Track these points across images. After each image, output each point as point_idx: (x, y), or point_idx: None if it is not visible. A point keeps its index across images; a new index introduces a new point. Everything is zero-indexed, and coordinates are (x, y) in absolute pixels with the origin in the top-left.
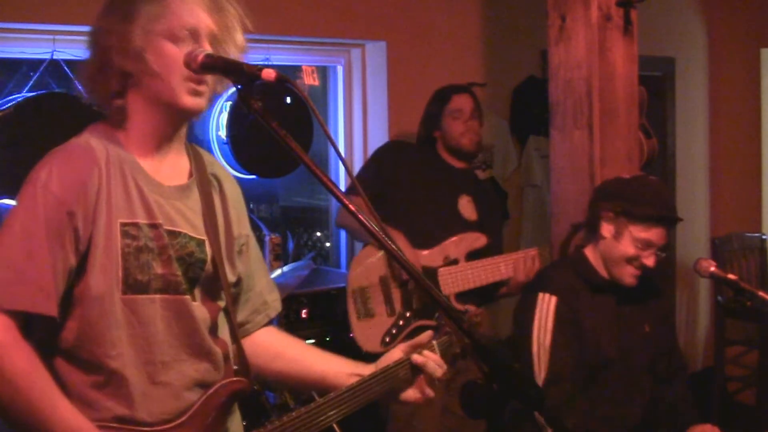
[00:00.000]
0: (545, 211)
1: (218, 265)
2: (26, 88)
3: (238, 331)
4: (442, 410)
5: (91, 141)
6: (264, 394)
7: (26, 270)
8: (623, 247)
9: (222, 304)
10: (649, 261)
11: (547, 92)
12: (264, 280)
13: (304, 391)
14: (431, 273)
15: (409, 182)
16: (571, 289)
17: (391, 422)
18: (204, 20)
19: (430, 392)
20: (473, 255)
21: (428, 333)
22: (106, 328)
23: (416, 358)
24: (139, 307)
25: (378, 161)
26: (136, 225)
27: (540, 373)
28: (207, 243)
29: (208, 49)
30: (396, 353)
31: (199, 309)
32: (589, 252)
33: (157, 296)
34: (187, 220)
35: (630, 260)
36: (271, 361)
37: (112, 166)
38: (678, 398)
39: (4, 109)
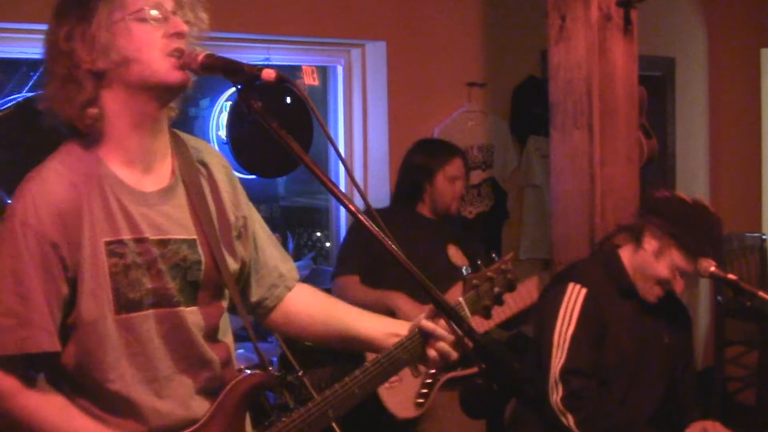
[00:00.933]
0: (545, 211)
1: (216, 260)
2: (26, 88)
3: (257, 318)
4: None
5: (65, 162)
6: (264, 394)
7: (23, 313)
8: (660, 267)
9: (225, 303)
10: (678, 287)
11: (547, 92)
12: (275, 252)
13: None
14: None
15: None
16: (600, 286)
17: None
18: None
19: (447, 355)
20: None
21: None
22: (103, 353)
23: (424, 323)
24: (135, 326)
25: (358, 238)
26: (121, 242)
27: (558, 362)
28: (198, 241)
29: (180, 23)
30: (420, 316)
31: (193, 317)
32: (625, 255)
33: (151, 311)
34: (176, 222)
35: (661, 282)
36: (305, 327)
37: (90, 185)
38: (683, 398)
39: (4, 109)
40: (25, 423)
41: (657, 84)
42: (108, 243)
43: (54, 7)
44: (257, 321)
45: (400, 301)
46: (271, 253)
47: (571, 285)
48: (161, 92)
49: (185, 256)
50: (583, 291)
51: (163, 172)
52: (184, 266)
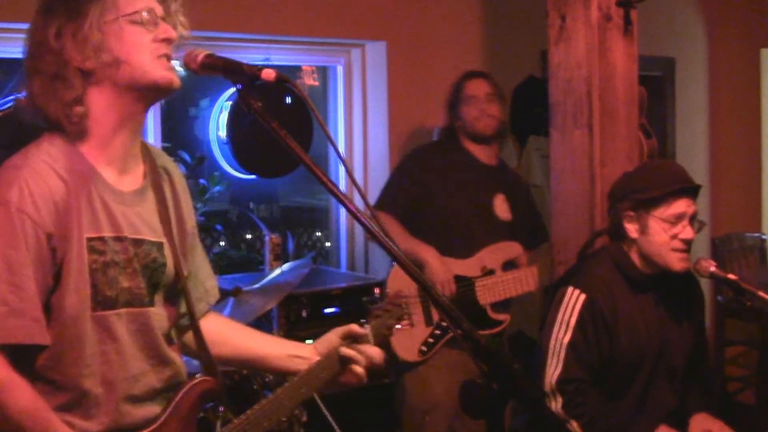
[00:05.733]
0: (545, 211)
1: (177, 266)
2: None
3: (198, 324)
4: (454, 412)
5: (52, 154)
6: (263, 394)
7: (15, 302)
8: (656, 235)
9: (177, 308)
10: (688, 233)
11: (547, 92)
12: (205, 266)
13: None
14: (468, 283)
15: (443, 188)
16: (606, 285)
17: (404, 421)
18: (155, 3)
19: (362, 378)
20: (508, 263)
21: (351, 327)
22: (80, 348)
23: (345, 351)
24: (109, 323)
25: (407, 172)
26: (102, 239)
27: (553, 371)
28: (165, 245)
29: (170, 29)
30: (333, 338)
31: (157, 316)
32: (626, 249)
33: (123, 310)
34: (147, 224)
35: (670, 244)
36: (215, 347)
37: (75, 179)
38: (689, 387)
39: (3, 109)
40: (13, 419)
41: (657, 84)
42: (90, 239)
43: (41, 4)
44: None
45: (429, 255)
46: (202, 267)
47: (570, 290)
48: (149, 93)
49: (155, 257)
50: (582, 297)
51: (136, 175)
52: (152, 267)
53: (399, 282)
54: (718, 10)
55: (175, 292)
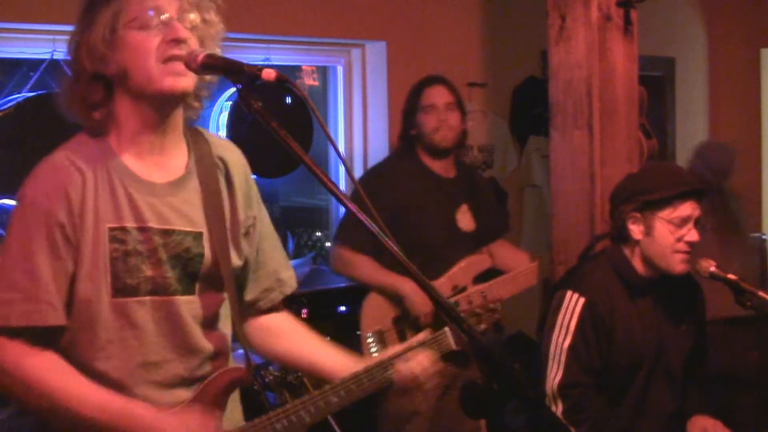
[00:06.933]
0: (545, 211)
1: (219, 255)
2: (26, 88)
3: (242, 316)
4: (433, 413)
5: (75, 150)
6: (264, 394)
7: (29, 288)
8: (661, 237)
9: (224, 296)
10: (693, 236)
11: (547, 92)
12: (278, 257)
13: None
14: None
15: (406, 211)
16: (605, 289)
17: (383, 423)
18: (168, 1)
19: (416, 398)
20: (480, 277)
21: (422, 334)
22: (96, 332)
23: (400, 368)
24: (130, 310)
25: (368, 200)
26: (123, 229)
27: (554, 376)
28: (205, 235)
29: (182, 29)
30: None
31: (189, 306)
32: (627, 252)
33: (147, 298)
34: (181, 215)
35: (674, 246)
36: (272, 342)
37: (98, 173)
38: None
39: (4, 109)
40: (32, 388)
41: (657, 84)
42: (111, 229)
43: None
44: (241, 322)
45: (409, 288)
46: (273, 257)
47: (569, 294)
48: (161, 100)
49: (188, 247)
50: (581, 301)
51: (174, 166)
52: (186, 257)
53: (373, 313)
54: (718, 10)
55: (217, 279)
